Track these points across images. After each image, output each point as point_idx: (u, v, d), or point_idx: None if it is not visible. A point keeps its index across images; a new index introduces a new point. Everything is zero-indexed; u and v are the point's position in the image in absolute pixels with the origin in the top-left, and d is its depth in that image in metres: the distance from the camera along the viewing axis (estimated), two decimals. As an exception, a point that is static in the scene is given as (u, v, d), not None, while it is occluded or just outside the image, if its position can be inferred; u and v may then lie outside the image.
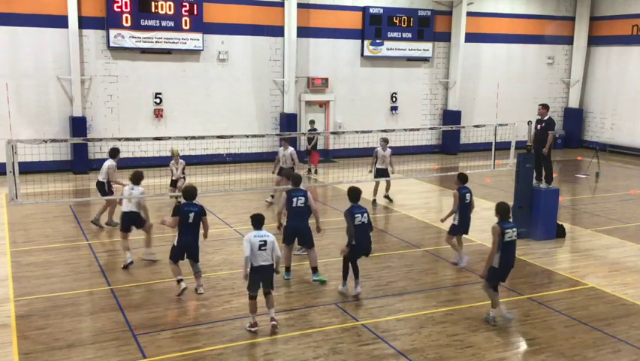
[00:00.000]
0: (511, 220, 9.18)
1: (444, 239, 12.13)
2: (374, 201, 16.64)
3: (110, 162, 13.76)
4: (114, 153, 13.90)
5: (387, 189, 16.84)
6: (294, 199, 10.58)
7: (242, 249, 12.39)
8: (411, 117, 25.38)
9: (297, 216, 10.60)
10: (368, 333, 8.81)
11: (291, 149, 16.35)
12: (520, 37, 27.16)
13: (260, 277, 8.61)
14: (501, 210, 9.06)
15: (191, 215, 9.80)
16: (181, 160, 16.18)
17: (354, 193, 9.85)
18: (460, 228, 11.57)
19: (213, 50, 21.98)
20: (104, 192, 13.87)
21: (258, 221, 8.81)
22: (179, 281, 9.96)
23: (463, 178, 11.56)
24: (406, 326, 9.11)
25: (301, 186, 10.86)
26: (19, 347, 8.21)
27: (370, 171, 16.90)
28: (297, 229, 10.64)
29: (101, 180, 13.84)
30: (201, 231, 10.11)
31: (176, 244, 9.91)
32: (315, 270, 10.88)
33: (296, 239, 10.96)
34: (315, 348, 8.31)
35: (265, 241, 8.58)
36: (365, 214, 9.64)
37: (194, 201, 9.98)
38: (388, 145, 16.43)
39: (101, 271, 11.18)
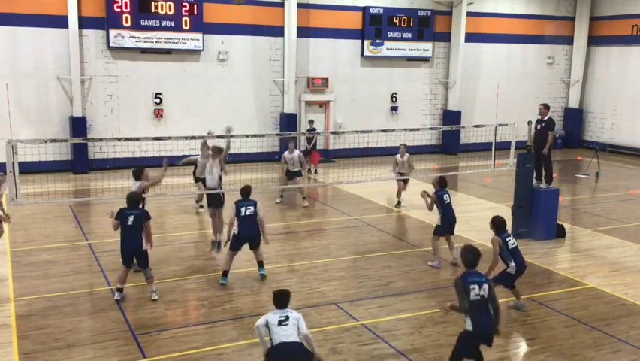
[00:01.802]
0: (507, 231, 9.46)
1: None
2: (399, 202, 16.44)
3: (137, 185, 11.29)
4: (138, 173, 11.39)
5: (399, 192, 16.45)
6: (243, 209, 10.56)
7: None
8: (411, 117, 25.38)
9: (247, 224, 10.57)
10: (368, 333, 8.81)
11: (297, 151, 16.38)
12: (520, 37, 27.16)
13: (282, 359, 6.70)
14: (497, 224, 9.29)
15: (131, 218, 9.59)
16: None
17: (471, 255, 7.13)
18: (443, 228, 11.86)
19: (213, 50, 21.98)
20: None
21: (280, 299, 7.07)
22: (117, 290, 9.87)
23: (442, 182, 11.94)
24: (406, 326, 9.11)
25: (252, 197, 10.80)
26: (19, 347, 8.21)
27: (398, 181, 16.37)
28: (248, 235, 10.62)
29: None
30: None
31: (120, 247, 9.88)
32: (261, 264, 10.95)
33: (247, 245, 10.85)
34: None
35: (287, 316, 6.90)
36: (485, 285, 6.90)
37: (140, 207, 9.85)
38: (407, 150, 16.38)
39: (101, 271, 11.17)
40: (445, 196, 11.82)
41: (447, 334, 8.82)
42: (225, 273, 10.70)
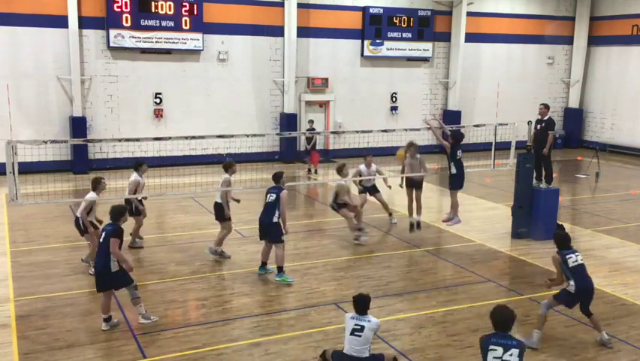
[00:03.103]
0: (572, 247, 8.55)
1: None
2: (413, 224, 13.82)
3: (133, 177, 12.02)
4: (137, 166, 12.14)
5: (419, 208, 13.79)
6: (268, 195, 10.76)
7: (243, 249, 12.50)
8: (411, 117, 25.35)
9: (265, 210, 10.70)
10: (368, 333, 8.80)
11: (374, 165, 14.28)
12: (520, 37, 27.16)
13: None
14: (558, 240, 8.55)
15: (103, 234, 8.68)
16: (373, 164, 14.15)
17: (501, 317, 6.12)
18: (456, 179, 12.96)
19: (213, 50, 21.98)
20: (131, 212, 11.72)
21: (357, 304, 7.01)
22: (104, 320, 8.80)
23: (455, 137, 12.96)
24: (406, 326, 9.11)
25: (289, 185, 11.01)
26: (19, 347, 8.21)
27: (401, 185, 14.22)
28: (261, 221, 10.71)
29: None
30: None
31: None
32: (264, 264, 11.02)
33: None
34: (315, 348, 8.30)
35: (362, 327, 6.82)
36: (513, 351, 5.93)
37: (120, 222, 8.77)
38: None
39: (101, 271, 11.15)
40: (458, 152, 12.84)
41: (447, 334, 8.83)
42: (263, 264, 11.03)
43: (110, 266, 8.52)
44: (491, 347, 5.93)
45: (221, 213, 11.82)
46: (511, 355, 5.88)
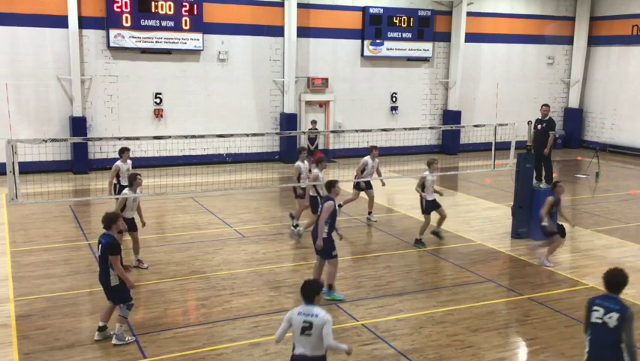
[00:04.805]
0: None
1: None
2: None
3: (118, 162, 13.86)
4: (120, 152, 14.07)
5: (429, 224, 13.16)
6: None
7: (242, 249, 12.50)
8: (411, 117, 25.37)
9: (317, 224, 10.03)
10: (368, 333, 8.81)
11: (377, 160, 14.51)
12: (520, 37, 27.16)
13: None
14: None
15: (100, 247, 8.23)
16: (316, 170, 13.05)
17: (613, 279, 6.07)
18: None
19: (213, 50, 21.98)
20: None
21: (304, 290, 6.22)
22: (99, 328, 8.53)
23: None
24: (406, 326, 9.11)
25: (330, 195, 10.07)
26: (19, 347, 8.21)
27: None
28: (313, 237, 10.11)
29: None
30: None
31: None
32: (329, 287, 10.03)
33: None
34: (315, 348, 8.30)
35: (311, 324, 5.93)
36: (613, 314, 5.91)
37: (110, 232, 8.27)
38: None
39: (101, 271, 11.16)
40: None
41: (447, 334, 8.83)
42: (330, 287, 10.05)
43: (110, 280, 8.18)
44: (594, 307, 6.04)
45: (315, 205, 12.58)
46: (610, 318, 5.91)
